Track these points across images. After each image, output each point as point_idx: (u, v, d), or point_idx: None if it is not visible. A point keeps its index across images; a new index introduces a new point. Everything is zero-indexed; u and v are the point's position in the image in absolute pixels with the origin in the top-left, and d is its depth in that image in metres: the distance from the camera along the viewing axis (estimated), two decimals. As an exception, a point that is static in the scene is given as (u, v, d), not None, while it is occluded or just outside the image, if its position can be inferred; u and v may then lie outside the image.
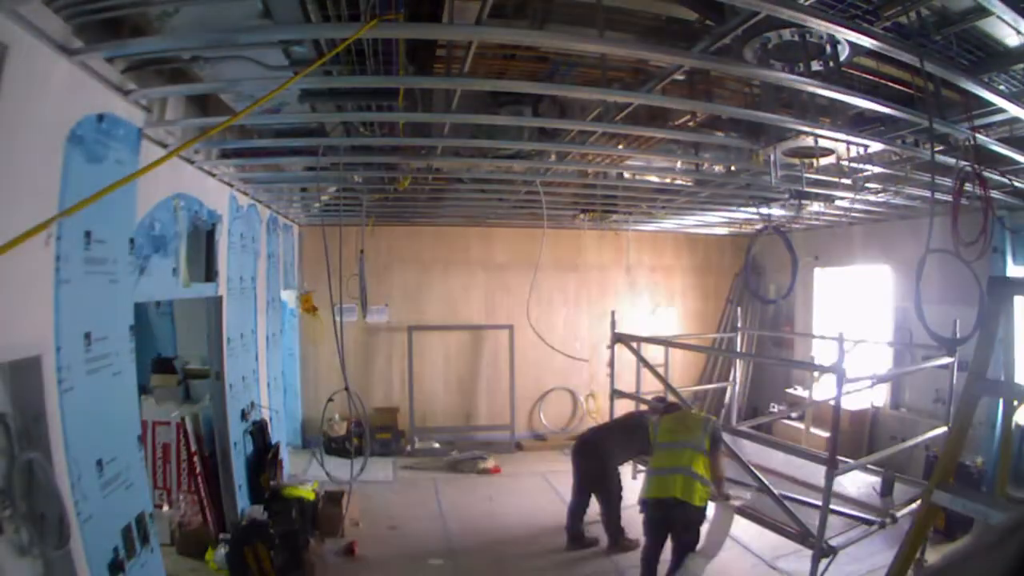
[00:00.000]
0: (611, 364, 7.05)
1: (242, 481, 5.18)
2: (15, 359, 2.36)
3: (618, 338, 6.66)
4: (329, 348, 6.32)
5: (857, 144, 3.82)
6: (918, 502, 3.97)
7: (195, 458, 5.01)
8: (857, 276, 8.09)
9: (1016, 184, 4.56)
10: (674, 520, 4.22)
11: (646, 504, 4.36)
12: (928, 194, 3.32)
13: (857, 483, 5.29)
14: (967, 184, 3.69)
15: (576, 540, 5.45)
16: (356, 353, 8.37)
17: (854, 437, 6.94)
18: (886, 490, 5.06)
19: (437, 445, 8.35)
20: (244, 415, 5.35)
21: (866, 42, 2.50)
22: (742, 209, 6.84)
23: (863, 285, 7.99)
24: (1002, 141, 3.83)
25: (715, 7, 2.58)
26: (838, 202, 6.01)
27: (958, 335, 4.69)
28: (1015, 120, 3.58)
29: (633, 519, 4.84)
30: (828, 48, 2.82)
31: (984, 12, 2.49)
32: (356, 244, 5.59)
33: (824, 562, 4.11)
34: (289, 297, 8.05)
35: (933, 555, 4.50)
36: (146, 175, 2.86)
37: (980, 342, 3.15)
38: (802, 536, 4.25)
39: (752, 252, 6.93)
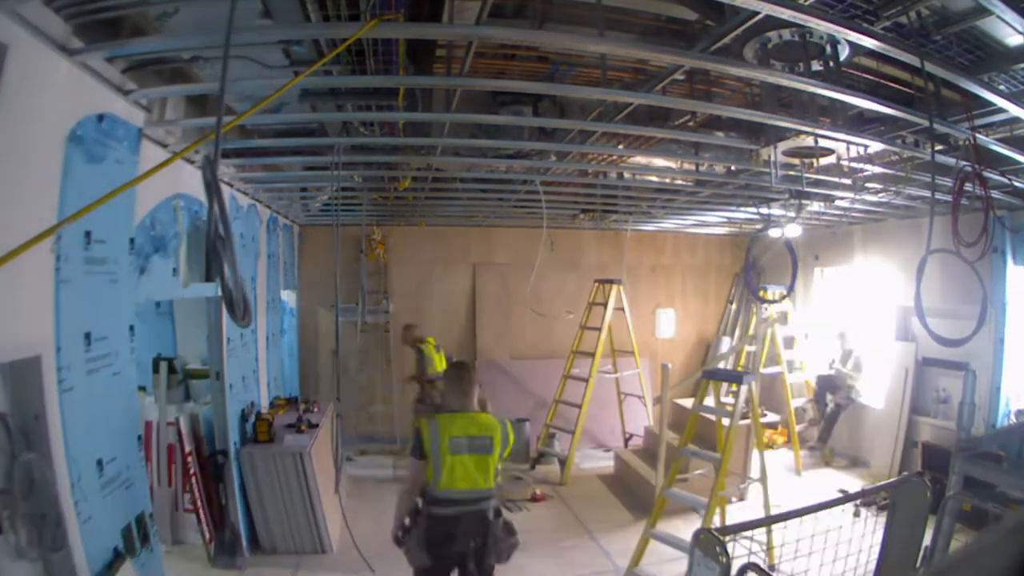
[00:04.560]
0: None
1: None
2: (15, 359, 2.36)
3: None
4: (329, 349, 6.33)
5: (857, 144, 3.82)
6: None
7: (189, 458, 5.00)
8: (857, 276, 8.08)
9: (1016, 184, 4.55)
10: None
11: None
12: (928, 194, 3.32)
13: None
14: (967, 184, 3.69)
15: None
16: (356, 352, 8.37)
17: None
18: None
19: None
20: (244, 415, 5.35)
21: (866, 42, 2.50)
22: (742, 209, 6.84)
23: (863, 285, 7.98)
24: (1002, 141, 3.82)
25: (715, 7, 2.58)
26: (838, 202, 6.01)
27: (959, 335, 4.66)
28: (1015, 120, 3.58)
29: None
30: (828, 48, 2.82)
31: (984, 12, 2.49)
32: (356, 244, 5.60)
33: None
34: (289, 297, 8.04)
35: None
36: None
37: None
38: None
39: (752, 252, 6.92)
